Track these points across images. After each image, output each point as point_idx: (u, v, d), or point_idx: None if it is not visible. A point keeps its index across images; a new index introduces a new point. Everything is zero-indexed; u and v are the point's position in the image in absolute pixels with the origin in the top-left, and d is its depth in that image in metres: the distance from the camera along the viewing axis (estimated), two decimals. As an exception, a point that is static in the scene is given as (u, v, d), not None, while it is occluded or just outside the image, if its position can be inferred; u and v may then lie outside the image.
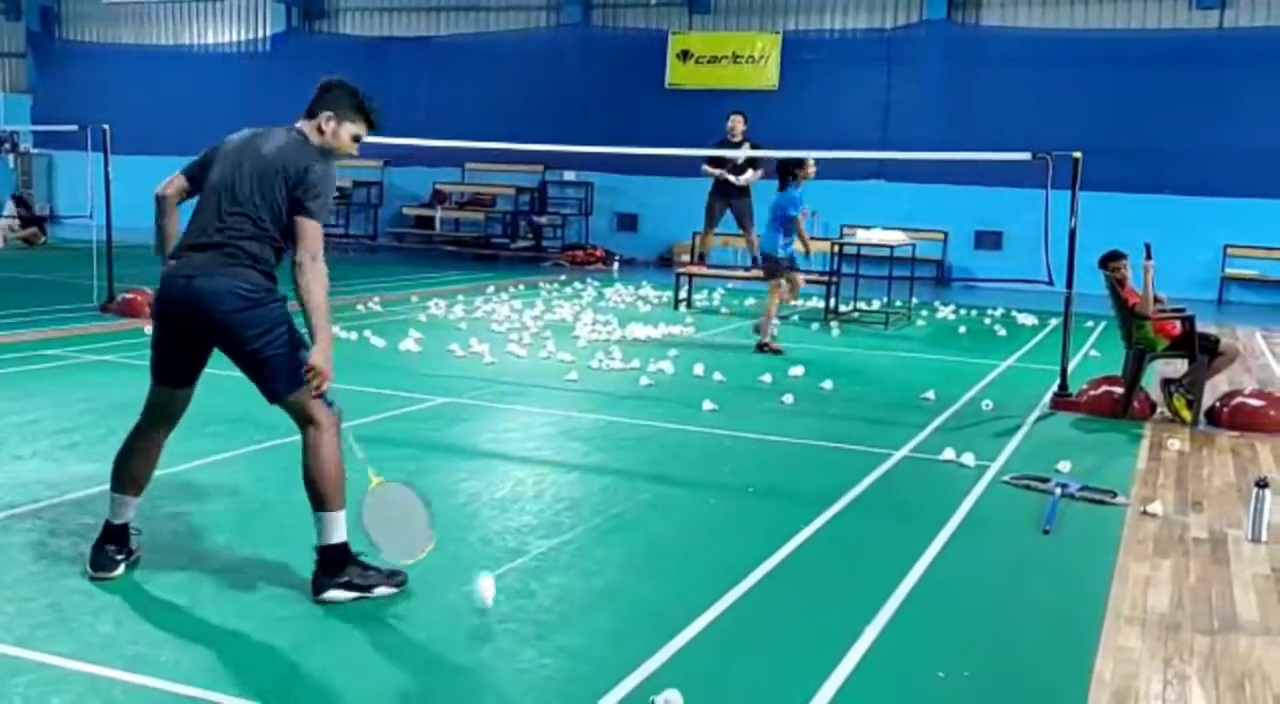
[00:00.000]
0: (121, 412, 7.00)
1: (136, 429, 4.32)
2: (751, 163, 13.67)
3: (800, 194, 10.85)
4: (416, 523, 4.20)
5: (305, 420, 4.11)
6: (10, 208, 20.09)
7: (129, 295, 11.36)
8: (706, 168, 14.00)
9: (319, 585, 4.10)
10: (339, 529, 4.13)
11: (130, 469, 4.29)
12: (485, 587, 4.08)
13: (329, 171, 4.16)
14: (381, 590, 4.13)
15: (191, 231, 4.14)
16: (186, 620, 3.90)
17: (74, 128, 12.52)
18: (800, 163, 10.82)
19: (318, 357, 4.00)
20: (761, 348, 10.66)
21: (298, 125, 4.28)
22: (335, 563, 4.10)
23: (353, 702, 3.37)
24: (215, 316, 4.01)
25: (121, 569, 4.25)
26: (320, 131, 4.24)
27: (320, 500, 4.11)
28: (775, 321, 11.03)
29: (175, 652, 3.64)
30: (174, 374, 4.24)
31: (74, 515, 4.96)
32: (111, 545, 4.26)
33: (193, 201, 4.31)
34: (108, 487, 5.31)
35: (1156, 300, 8.16)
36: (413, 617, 4.03)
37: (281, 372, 4.06)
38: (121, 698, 3.32)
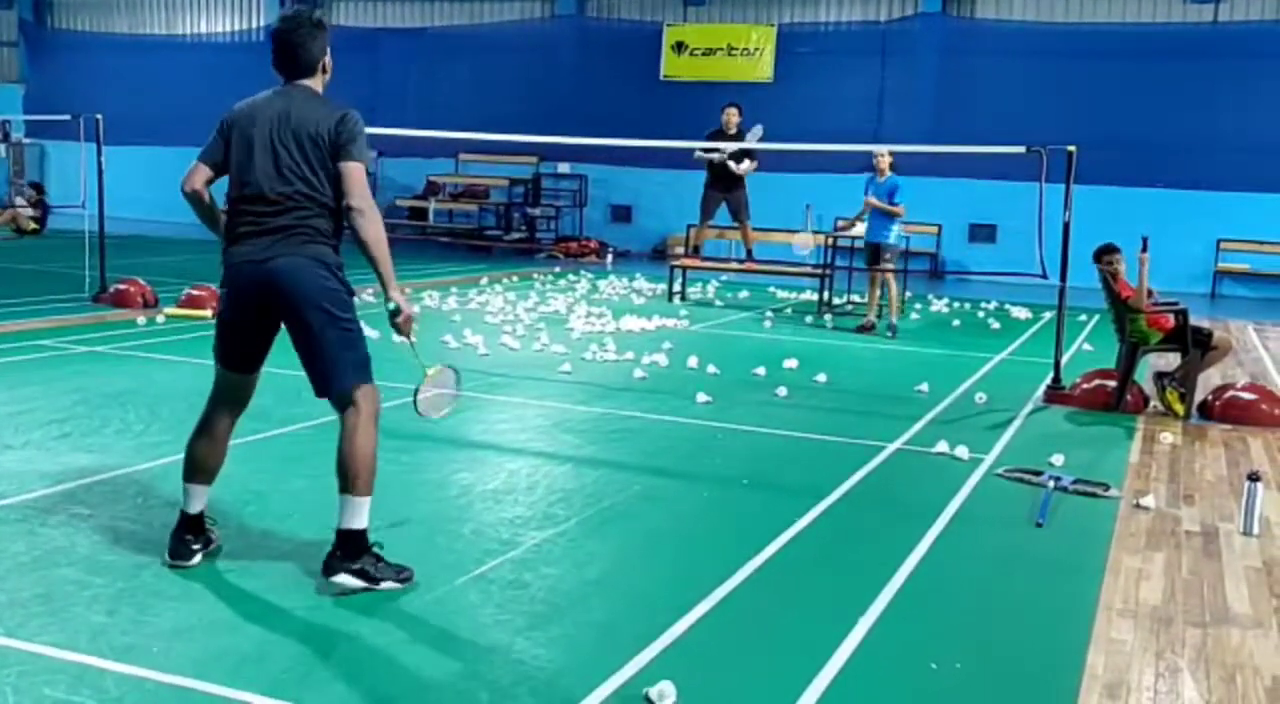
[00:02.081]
0: (114, 402, 7.00)
1: (205, 417, 4.33)
2: (747, 153, 13.66)
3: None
4: (449, 388, 4.53)
5: (349, 404, 4.09)
6: (29, 193, 20.17)
7: (121, 286, 11.33)
8: (700, 153, 13.85)
9: (331, 567, 4.07)
10: (363, 515, 4.11)
11: (200, 458, 4.31)
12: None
13: (358, 116, 4.16)
14: (388, 585, 4.11)
15: (246, 216, 4.09)
16: (178, 611, 3.89)
17: (67, 117, 12.50)
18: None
19: (405, 303, 4.12)
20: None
21: (301, 82, 4.21)
22: (353, 548, 4.09)
23: (345, 692, 3.36)
24: (300, 294, 4.01)
25: (199, 558, 4.27)
26: (324, 72, 4.26)
27: (349, 484, 4.08)
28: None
29: (167, 642, 3.63)
30: (244, 360, 4.25)
31: (66, 506, 4.95)
32: (189, 534, 4.28)
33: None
34: (102, 477, 5.34)
35: (1149, 294, 8.17)
36: (405, 608, 4.02)
37: (347, 368, 4.07)
38: (113, 688, 3.31)
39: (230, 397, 4.32)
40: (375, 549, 4.16)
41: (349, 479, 4.07)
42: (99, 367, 8.30)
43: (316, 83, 4.25)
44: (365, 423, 4.08)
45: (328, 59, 4.28)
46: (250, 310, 4.13)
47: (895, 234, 11.89)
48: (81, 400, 7.05)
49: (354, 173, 4.05)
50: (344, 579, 4.05)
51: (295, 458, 5.92)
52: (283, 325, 4.18)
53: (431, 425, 6.87)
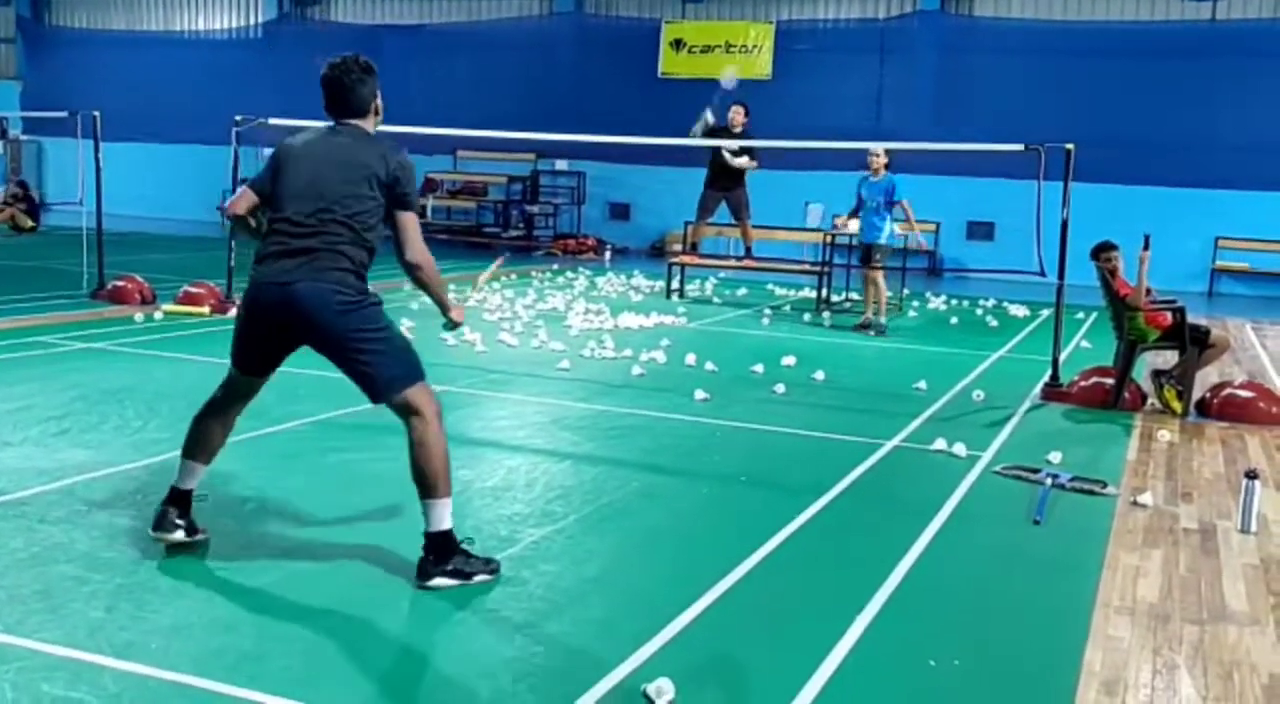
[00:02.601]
0: (113, 399, 7.00)
1: (213, 402, 4.38)
2: (747, 151, 13.64)
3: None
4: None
5: (410, 412, 4.11)
6: (13, 188, 20.10)
7: (119, 282, 11.32)
8: (697, 130, 13.67)
9: (426, 572, 4.09)
10: (447, 516, 4.13)
11: (204, 436, 4.36)
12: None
13: (411, 161, 4.30)
14: (481, 577, 4.15)
15: (279, 236, 4.11)
16: (177, 608, 3.89)
17: (64, 114, 12.46)
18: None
19: (454, 314, 4.46)
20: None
21: (353, 122, 4.27)
22: (443, 550, 4.11)
23: (344, 689, 3.36)
24: (319, 321, 4.02)
25: (181, 534, 4.30)
26: (376, 113, 4.34)
27: (429, 488, 4.11)
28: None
29: (165, 639, 3.63)
30: (257, 367, 4.31)
31: (64, 502, 4.95)
32: (175, 509, 4.32)
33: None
34: (100, 473, 5.33)
35: (1147, 292, 8.17)
36: (403, 605, 4.02)
37: (390, 371, 4.09)
38: (111, 685, 3.31)
39: (241, 391, 4.39)
40: (465, 545, 4.20)
41: (429, 485, 4.10)
42: (97, 363, 8.30)
43: (369, 124, 4.32)
44: (431, 427, 4.10)
45: (379, 102, 4.36)
46: (268, 328, 4.16)
47: (888, 234, 11.84)
48: (80, 397, 7.04)
49: (411, 223, 4.18)
50: (440, 581, 4.08)
51: (294, 455, 5.91)
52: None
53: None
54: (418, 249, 4.18)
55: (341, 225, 4.07)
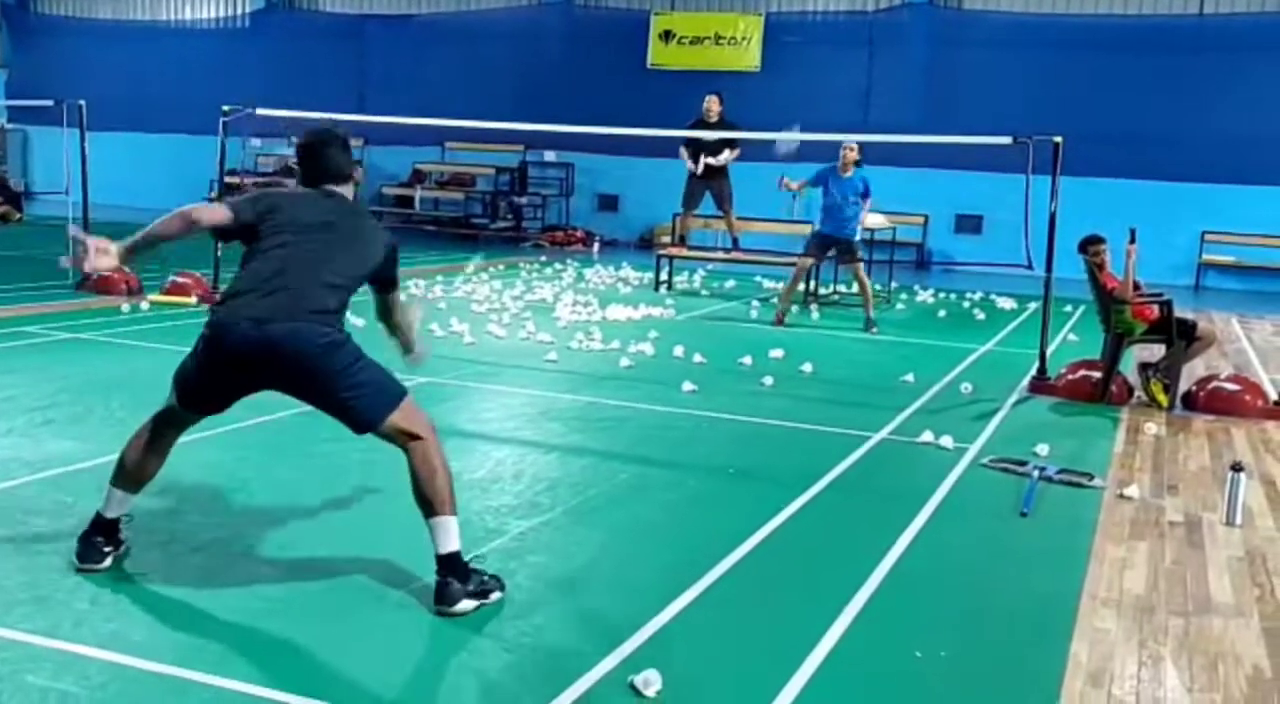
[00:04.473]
0: (98, 389, 6.97)
1: (150, 431, 4.15)
2: (727, 143, 13.64)
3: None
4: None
5: (407, 437, 3.96)
6: None
7: (105, 273, 11.25)
8: (685, 151, 13.92)
9: (450, 596, 3.87)
10: (455, 535, 3.96)
11: (136, 468, 4.14)
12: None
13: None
14: (495, 595, 3.98)
15: (259, 274, 3.91)
16: (162, 598, 3.88)
17: (50, 103, 12.38)
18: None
19: (418, 351, 4.58)
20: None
21: (334, 189, 4.18)
22: (461, 570, 3.93)
23: (330, 681, 3.36)
24: (295, 363, 3.83)
25: (109, 562, 4.10)
26: (355, 182, 4.35)
27: (434, 508, 3.94)
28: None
29: (150, 629, 3.62)
30: (205, 406, 4.12)
31: (49, 493, 4.93)
32: (100, 537, 4.11)
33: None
34: (86, 465, 5.30)
35: (1135, 286, 8.19)
36: (389, 596, 4.01)
37: (371, 402, 3.92)
38: (96, 675, 3.29)
39: (179, 423, 4.18)
40: (475, 563, 4.06)
41: (434, 505, 3.94)
42: (83, 354, 8.26)
43: (349, 190, 4.28)
44: (429, 446, 3.97)
45: (359, 172, 4.45)
46: (233, 371, 3.93)
47: (860, 230, 11.82)
48: (65, 388, 7.01)
49: (397, 296, 4.38)
50: (465, 605, 3.88)
51: (281, 446, 5.90)
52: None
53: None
54: (401, 319, 4.45)
55: (323, 272, 3.93)
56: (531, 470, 5.74)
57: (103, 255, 3.95)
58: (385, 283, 4.29)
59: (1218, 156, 17.78)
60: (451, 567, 3.91)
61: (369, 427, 3.95)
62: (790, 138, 12.30)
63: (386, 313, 4.40)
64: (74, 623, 3.63)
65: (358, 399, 3.91)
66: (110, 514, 4.14)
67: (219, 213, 4.06)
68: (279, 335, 3.80)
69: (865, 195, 11.64)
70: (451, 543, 3.95)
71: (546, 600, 4.04)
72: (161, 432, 4.17)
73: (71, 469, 5.27)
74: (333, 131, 4.32)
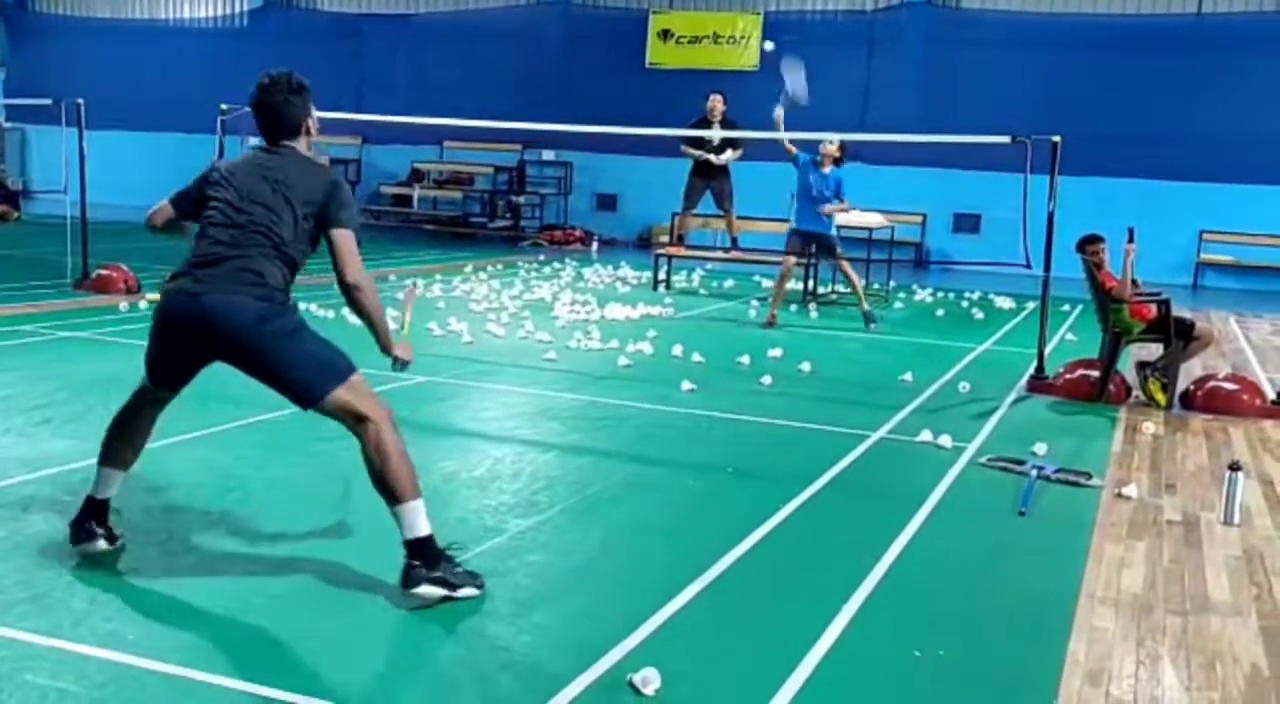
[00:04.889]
0: (96, 388, 6.96)
1: (129, 407, 4.25)
2: (730, 143, 13.65)
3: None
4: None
5: (355, 419, 3.91)
6: None
7: (103, 271, 11.26)
8: (686, 148, 13.98)
9: (412, 578, 3.85)
10: (422, 520, 3.90)
11: (120, 443, 4.22)
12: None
13: (344, 182, 4.19)
14: (466, 591, 3.92)
15: (198, 250, 3.98)
16: (160, 598, 3.88)
17: (48, 102, 12.37)
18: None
19: (398, 351, 4.29)
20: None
21: (286, 143, 4.13)
22: (429, 555, 3.88)
23: (326, 679, 3.36)
24: (230, 334, 3.85)
25: (103, 543, 4.15)
26: (309, 133, 4.19)
27: (393, 495, 3.89)
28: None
29: (149, 628, 3.62)
30: (170, 381, 4.18)
31: (48, 492, 4.92)
32: (91, 521, 4.17)
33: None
34: (83, 464, 5.29)
35: (1133, 283, 8.20)
36: (387, 595, 4.01)
37: (311, 375, 3.89)
38: (95, 674, 3.29)
39: (153, 400, 4.26)
40: (451, 550, 4.01)
41: (391, 492, 3.90)
42: (81, 352, 8.25)
43: (301, 144, 4.17)
44: (382, 429, 3.91)
45: (311, 120, 4.20)
46: (177, 342, 4.00)
47: (835, 225, 11.85)
48: (63, 386, 7.01)
49: (346, 242, 4.00)
50: (425, 590, 3.85)
51: (276, 445, 5.90)
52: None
53: (416, 412, 6.88)
54: (354, 268, 4.00)
55: (263, 239, 3.93)
56: (530, 469, 5.74)
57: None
58: (324, 221, 4.01)
59: (1216, 156, 17.80)
60: (418, 551, 3.89)
61: (310, 402, 3.94)
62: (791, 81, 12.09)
63: (338, 276, 4.03)
64: (72, 622, 3.63)
65: (296, 371, 3.89)
66: (100, 495, 4.20)
67: (162, 209, 4.20)
68: (212, 307, 3.85)
69: (837, 194, 11.57)
70: (417, 528, 3.91)
71: (545, 598, 4.04)
72: (138, 407, 4.25)
73: (69, 468, 5.27)
74: (279, 79, 4.14)
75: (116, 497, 4.31)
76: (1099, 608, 4.21)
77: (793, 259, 11.85)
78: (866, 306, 11.62)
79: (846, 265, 11.81)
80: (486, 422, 6.80)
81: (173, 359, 4.09)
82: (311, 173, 4.07)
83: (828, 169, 11.64)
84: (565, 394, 7.66)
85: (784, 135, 11.55)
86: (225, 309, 3.85)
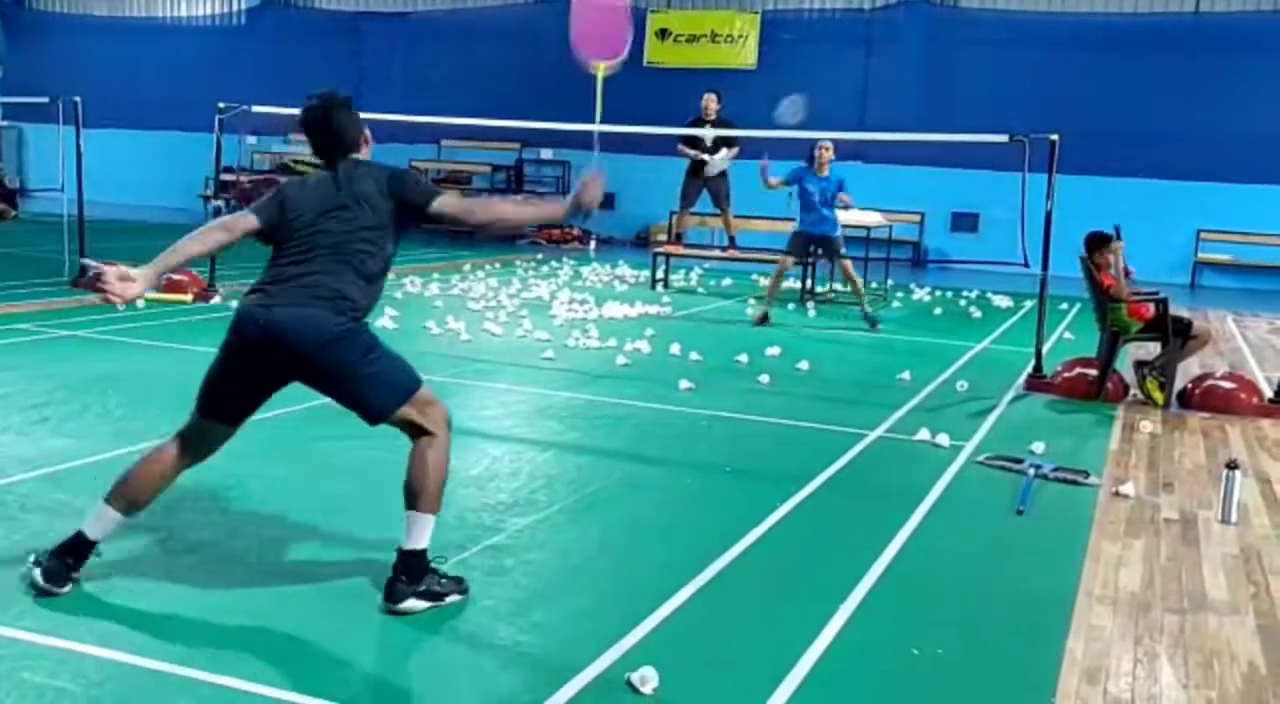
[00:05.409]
0: (94, 387, 6.96)
1: (163, 451, 3.98)
2: (726, 142, 13.65)
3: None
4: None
5: (418, 430, 3.93)
6: None
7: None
8: (683, 148, 13.98)
9: (397, 593, 3.83)
10: (427, 534, 3.89)
11: (138, 488, 3.94)
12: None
13: (405, 168, 4.13)
14: (452, 598, 3.91)
15: (276, 268, 3.91)
16: (159, 596, 3.87)
17: (45, 100, 12.36)
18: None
19: (579, 198, 4.08)
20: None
21: (352, 159, 4.05)
22: (417, 569, 3.86)
23: (326, 678, 3.36)
24: (307, 352, 3.78)
25: (69, 587, 3.83)
26: (367, 142, 4.15)
27: (417, 502, 3.87)
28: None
29: (147, 627, 3.62)
30: (230, 412, 3.98)
31: (45, 491, 4.92)
32: (71, 558, 3.85)
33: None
34: (81, 462, 5.29)
35: (1126, 274, 8.22)
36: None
37: (383, 392, 3.87)
38: (93, 673, 3.29)
39: (199, 444, 4.01)
40: (435, 563, 3.97)
41: (416, 494, 3.86)
42: (78, 351, 8.25)
43: (364, 156, 4.12)
44: (438, 442, 3.93)
45: (367, 132, 4.16)
46: (249, 361, 3.88)
47: (841, 227, 11.86)
48: (60, 385, 7.00)
49: (450, 202, 4.00)
50: (412, 604, 3.83)
51: (278, 444, 5.89)
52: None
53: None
54: (478, 210, 4.06)
55: (338, 256, 3.87)
56: (528, 468, 5.74)
57: (128, 284, 3.79)
58: (416, 210, 3.98)
59: (1214, 155, 17.82)
60: (406, 563, 3.87)
61: (379, 417, 3.92)
62: (787, 108, 12.14)
63: (466, 225, 4.06)
64: (71, 621, 3.63)
65: (368, 390, 3.87)
66: (91, 535, 3.90)
67: (248, 220, 3.98)
68: (288, 322, 3.77)
69: (841, 191, 11.56)
70: (419, 541, 3.89)
71: (543, 597, 4.04)
72: (178, 456, 3.99)
73: (67, 467, 5.26)
74: (331, 98, 4.08)
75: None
76: (1097, 606, 4.21)
77: (791, 259, 11.87)
78: (868, 309, 11.61)
79: (849, 267, 11.80)
80: (484, 420, 6.80)
81: (242, 378, 3.93)
82: (372, 177, 3.99)
83: (825, 171, 11.59)
84: (563, 393, 7.66)
85: (771, 179, 11.65)
86: (301, 325, 3.77)
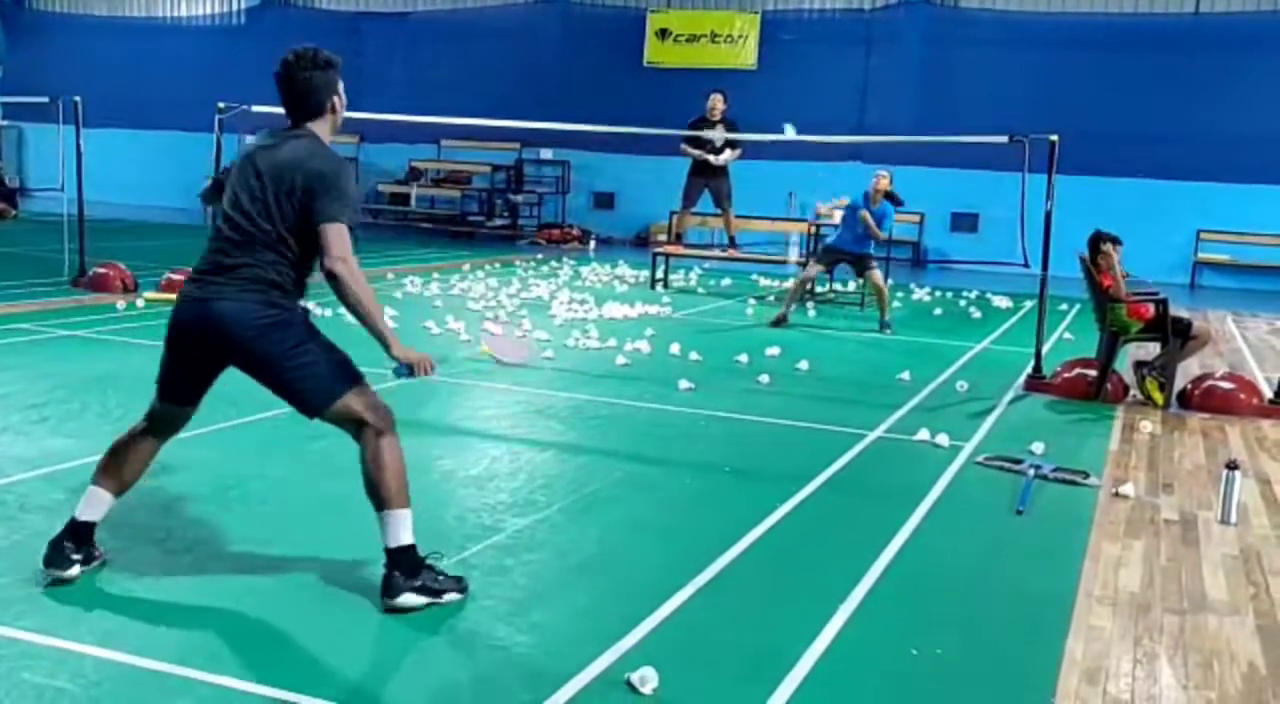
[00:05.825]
0: (93, 386, 6.96)
1: (136, 431, 4.07)
2: (730, 143, 13.65)
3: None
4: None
5: (357, 425, 3.88)
6: None
7: (100, 270, 11.25)
8: (686, 147, 13.98)
9: (394, 588, 3.82)
10: (406, 529, 3.86)
11: (120, 466, 4.02)
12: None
13: (341, 168, 3.86)
14: (450, 596, 3.90)
15: (208, 252, 3.90)
16: (157, 596, 3.87)
17: (45, 99, 12.35)
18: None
19: (403, 355, 3.86)
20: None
21: (306, 126, 3.94)
22: (410, 564, 3.85)
23: (324, 678, 3.36)
24: (238, 341, 3.78)
25: (77, 570, 3.92)
26: (334, 111, 3.99)
27: (383, 501, 3.85)
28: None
29: (145, 627, 3.62)
30: (181, 394, 4.03)
31: (45, 490, 4.92)
32: (70, 543, 3.94)
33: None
34: (80, 462, 5.29)
35: (1124, 276, 8.22)
36: (387, 593, 4.01)
37: (317, 384, 3.83)
38: (92, 672, 3.29)
39: (164, 424, 4.08)
40: (431, 560, 3.96)
41: (382, 499, 3.84)
42: (77, 351, 8.25)
43: (324, 125, 3.95)
44: (383, 438, 3.88)
45: (338, 99, 3.97)
46: (187, 349, 3.90)
47: (873, 246, 11.91)
48: (60, 385, 7.00)
49: (332, 234, 3.71)
50: (407, 599, 3.82)
51: (274, 444, 5.89)
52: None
53: (413, 411, 6.88)
54: (334, 256, 3.69)
55: (262, 240, 3.80)
56: (528, 468, 5.74)
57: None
58: (307, 214, 3.74)
59: (1213, 155, 17.82)
60: (397, 560, 3.86)
61: (315, 411, 3.89)
62: (786, 138, 12.27)
63: (344, 287, 3.74)
64: (70, 621, 3.63)
65: (302, 381, 3.84)
66: (84, 517, 3.97)
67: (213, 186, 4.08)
68: (218, 314, 3.78)
69: (880, 227, 11.57)
70: (400, 537, 3.87)
71: (543, 597, 4.04)
72: (148, 434, 4.09)
73: (66, 466, 5.26)
74: (304, 54, 3.88)
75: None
76: (1096, 607, 4.21)
77: (816, 270, 11.94)
78: (888, 317, 11.59)
79: (878, 277, 11.75)
80: (484, 420, 6.80)
81: (183, 367, 3.97)
82: (307, 157, 3.80)
83: (877, 204, 11.57)
84: (563, 393, 7.66)
85: (824, 207, 11.67)
86: (228, 317, 3.77)
